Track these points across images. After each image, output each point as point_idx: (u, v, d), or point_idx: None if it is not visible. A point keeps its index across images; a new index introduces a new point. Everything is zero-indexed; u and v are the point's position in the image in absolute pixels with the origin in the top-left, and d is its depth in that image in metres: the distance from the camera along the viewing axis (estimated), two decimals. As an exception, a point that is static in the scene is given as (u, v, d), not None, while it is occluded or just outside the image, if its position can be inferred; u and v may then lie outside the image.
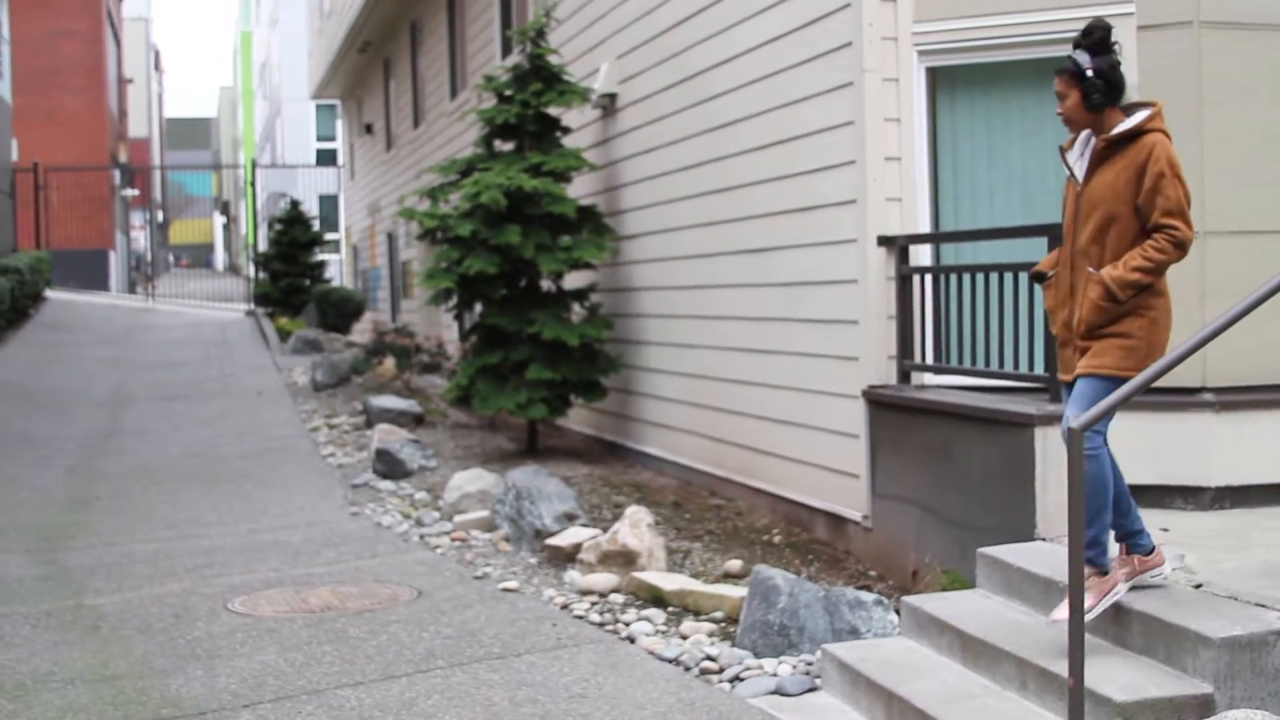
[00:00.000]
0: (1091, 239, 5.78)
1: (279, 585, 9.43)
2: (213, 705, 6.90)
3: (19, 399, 19.94)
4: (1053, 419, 7.12)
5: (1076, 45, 5.83)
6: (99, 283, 47.99)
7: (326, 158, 51.85)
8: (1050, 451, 7.09)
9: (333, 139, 51.69)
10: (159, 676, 7.43)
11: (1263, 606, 5.62)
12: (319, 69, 35.48)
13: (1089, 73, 5.71)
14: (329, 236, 40.50)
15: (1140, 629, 5.72)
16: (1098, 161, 5.79)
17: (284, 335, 27.67)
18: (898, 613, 7.08)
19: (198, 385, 21.47)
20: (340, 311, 30.19)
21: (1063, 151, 6.02)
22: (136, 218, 74.16)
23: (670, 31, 11.95)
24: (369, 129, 31.46)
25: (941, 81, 8.95)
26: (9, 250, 33.36)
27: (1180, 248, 5.62)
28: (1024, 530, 7.18)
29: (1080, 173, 5.88)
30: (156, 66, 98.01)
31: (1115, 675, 5.47)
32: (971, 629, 6.24)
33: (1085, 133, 5.92)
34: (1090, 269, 5.76)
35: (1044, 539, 7.10)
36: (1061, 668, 5.35)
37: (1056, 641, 5.70)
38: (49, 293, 34.52)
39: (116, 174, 54.84)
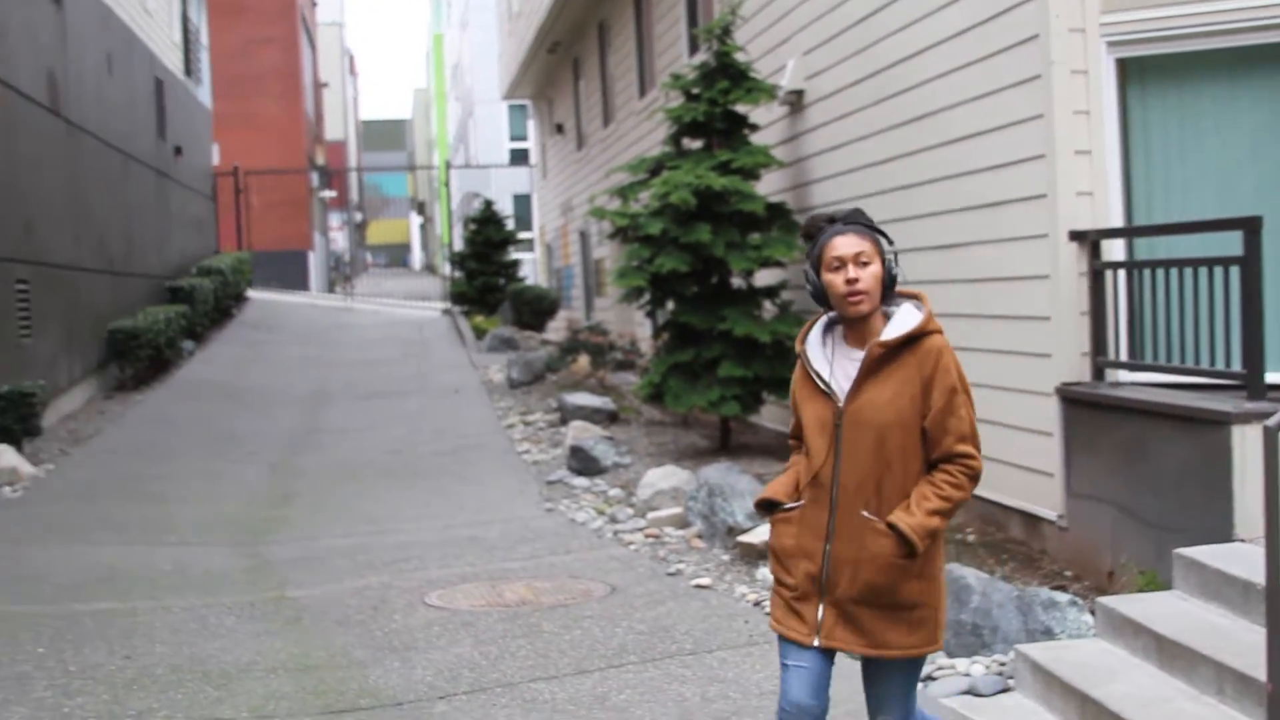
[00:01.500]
0: (867, 473, 4.43)
1: (475, 580, 9.63)
2: (409, 696, 7.10)
3: (223, 397, 20.53)
4: (1251, 417, 7.00)
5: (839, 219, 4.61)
6: (298, 283, 49.12)
7: (519, 157, 52.40)
8: (1249, 450, 6.97)
9: (525, 138, 52.20)
10: (357, 667, 7.65)
11: None
12: (509, 70, 35.90)
13: (889, 243, 4.52)
14: (523, 235, 41.00)
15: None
16: (869, 371, 4.42)
17: (480, 333, 28.08)
18: (1092, 613, 7.02)
19: (396, 383, 21.91)
20: (535, 309, 30.53)
21: (803, 354, 4.61)
22: (334, 219, 75.69)
23: (857, 26, 11.92)
24: (560, 128, 31.76)
25: (1131, 73, 8.83)
26: (212, 252, 34.28)
27: (975, 480, 4.49)
28: (1222, 531, 7.08)
29: (842, 384, 4.49)
30: (351, 70, 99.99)
31: (1315, 678, 5.38)
32: (1167, 631, 6.17)
33: (820, 328, 4.65)
34: (865, 513, 4.44)
35: (1243, 540, 6.98)
36: (1261, 672, 5.28)
37: (1256, 645, 5.61)
38: (250, 293, 35.42)
39: (314, 176, 56.02)
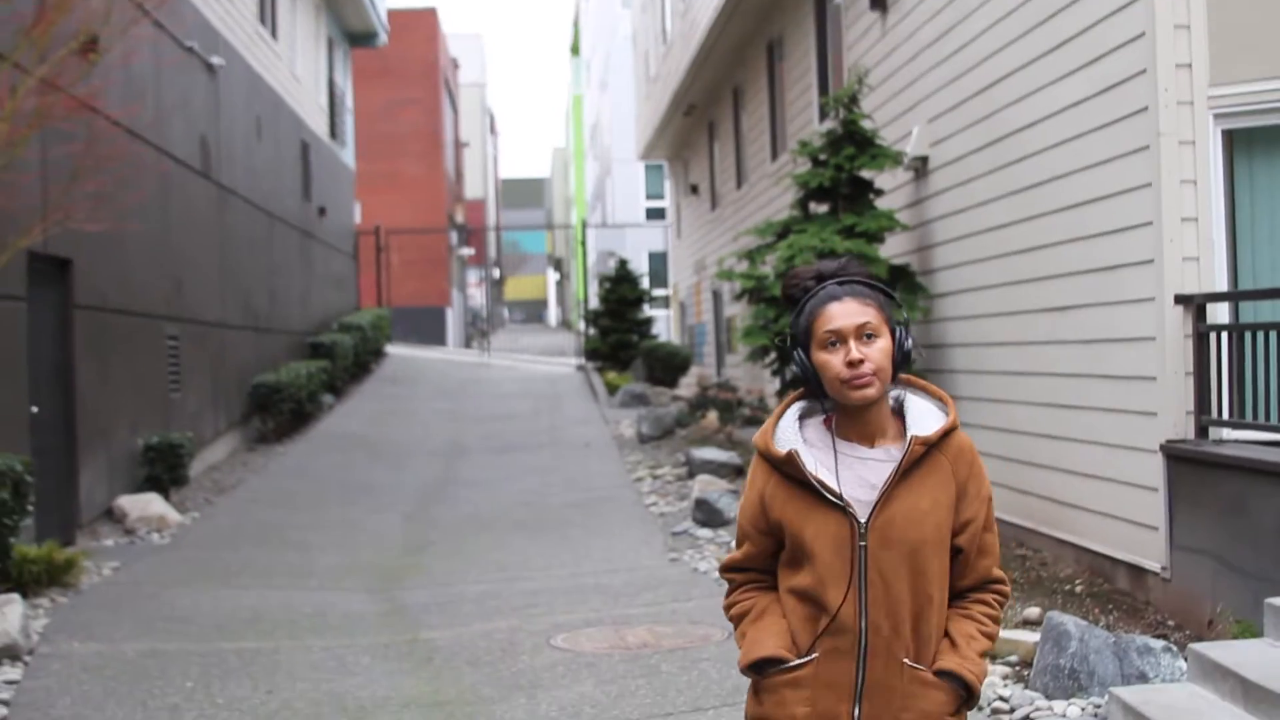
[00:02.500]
0: (904, 608, 3.45)
1: (599, 624, 10.04)
2: (535, 731, 7.51)
3: (361, 449, 21.18)
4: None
5: (853, 278, 3.57)
6: (436, 338, 50.02)
7: (655, 215, 53.09)
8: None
9: (661, 196, 52.89)
10: (485, 704, 8.09)
11: None
12: (646, 131, 36.54)
13: (897, 305, 3.55)
14: (659, 292, 41.56)
15: None
16: (904, 474, 3.44)
17: (612, 389, 28.60)
18: (1185, 659, 7.29)
19: (529, 437, 22.45)
20: (666, 366, 31.01)
21: (793, 458, 3.48)
22: (472, 275, 76.73)
23: (978, 96, 12.27)
24: (694, 189, 32.29)
25: (1238, 143, 9.12)
26: (352, 308, 35.17)
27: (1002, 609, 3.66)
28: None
29: (858, 492, 3.46)
30: (492, 130, 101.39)
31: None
32: (1253, 675, 6.43)
33: (792, 420, 3.59)
34: (908, 660, 3.46)
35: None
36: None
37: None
38: (389, 348, 36.27)
39: (453, 235, 57.05)
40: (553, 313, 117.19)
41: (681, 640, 9.44)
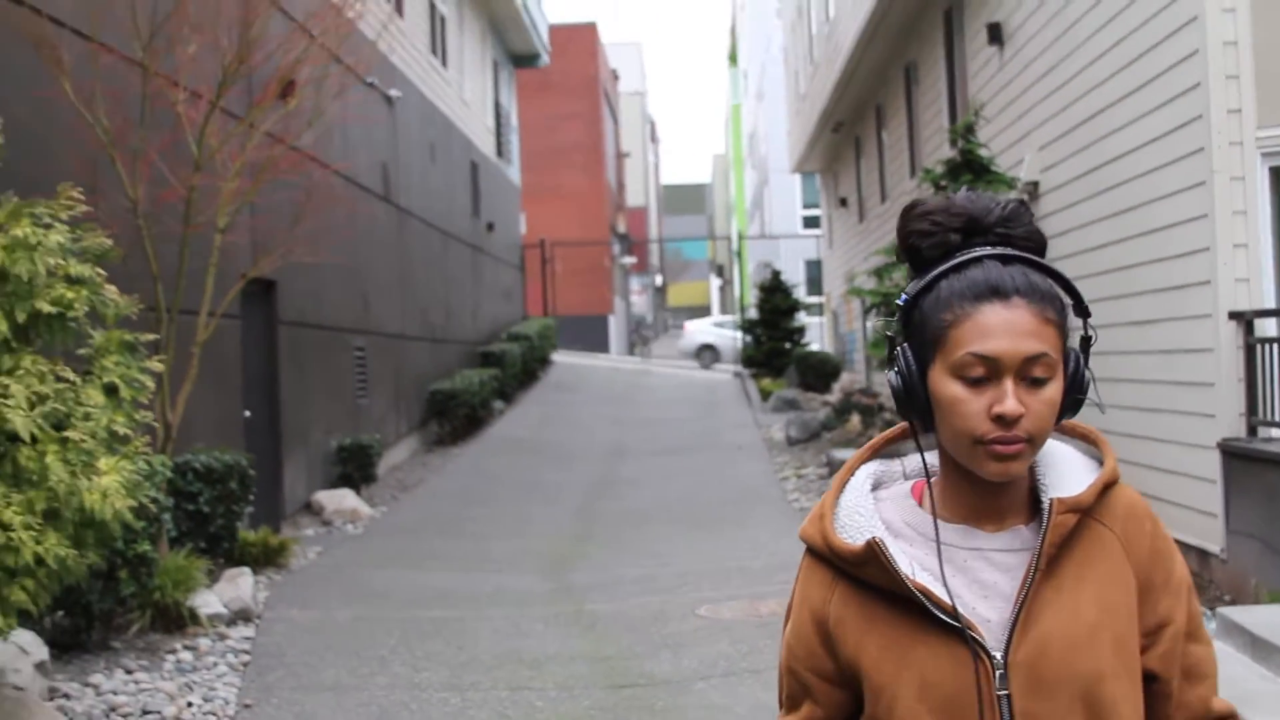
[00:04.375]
0: None
1: (737, 599, 11.63)
2: (676, 678, 9.17)
3: (530, 452, 22.99)
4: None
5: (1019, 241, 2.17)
6: (599, 345, 51.88)
7: (812, 223, 54.41)
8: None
9: (816, 205, 54.25)
10: (637, 659, 9.74)
11: None
12: (797, 146, 38.04)
13: (1085, 314, 2.18)
14: (813, 300, 43.02)
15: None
16: (1050, 567, 2.13)
17: (765, 395, 30.14)
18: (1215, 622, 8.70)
19: (686, 440, 24.10)
20: (818, 372, 32.48)
21: (876, 553, 2.13)
22: (635, 283, 78.53)
23: (1080, 127, 13.64)
24: (843, 202, 33.72)
25: (1285, 178, 10.50)
26: (519, 318, 37.12)
27: None
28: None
29: (981, 607, 2.14)
30: (652, 138, 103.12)
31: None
32: (1261, 632, 7.87)
33: (863, 486, 2.27)
34: None
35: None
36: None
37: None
38: (555, 356, 38.15)
39: (616, 245, 58.91)
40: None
41: (804, 610, 11.01)
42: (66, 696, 8.38)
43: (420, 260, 24.30)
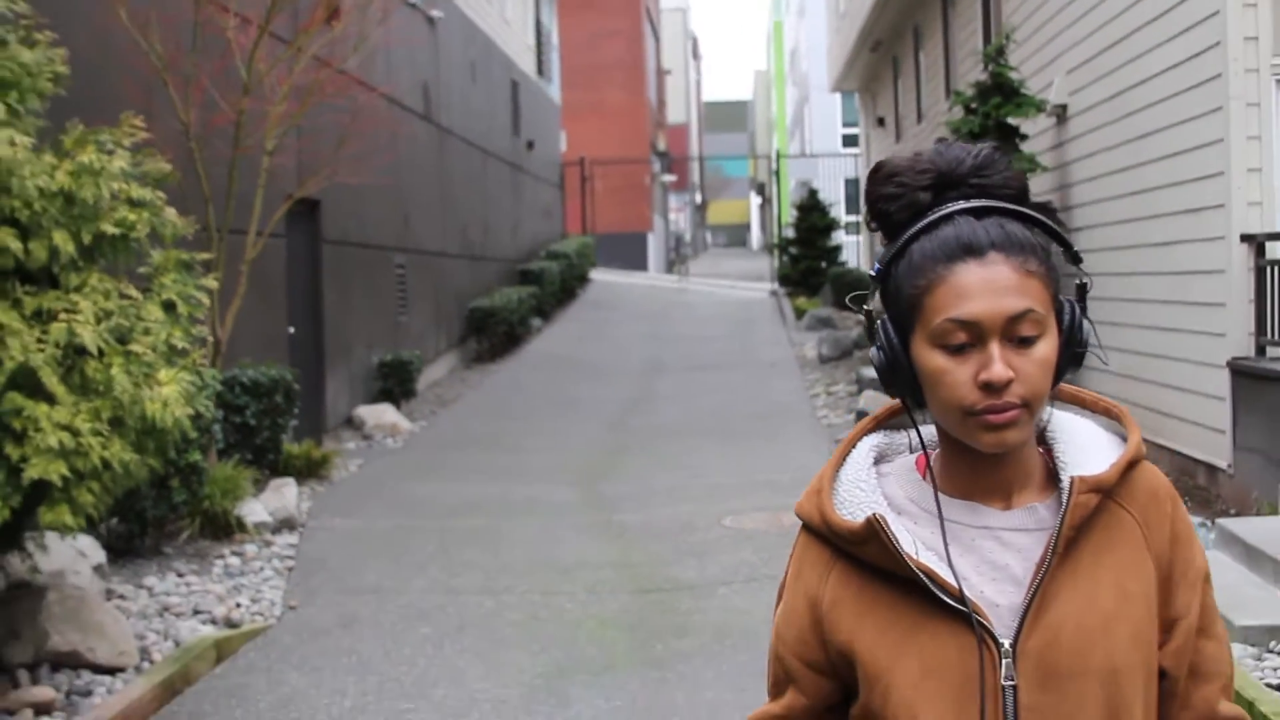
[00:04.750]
0: None
1: (762, 510, 12.08)
2: (700, 582, 9.64)
3: (567, 368, 23.45)
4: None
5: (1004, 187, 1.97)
6: (638, 263, 52.20)
7: (851, 142, 54.45)
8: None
9: (857, 124, 54.34)
10: (664, 565, 10.21)
11: None
12: (836, 64, 38.16)
13: (1088, 281, 1.99)
14: (851, 219, 43.24)
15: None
16: (1067, 550, 1.94)
17: (800, 314, 30.45)
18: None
19: (720, 357, 24.50)
20: (854, 291, 32.73)
21: (877, 530, 1.94)
22: (674, 200, 78.71)
23: (1106, 52, 13.90)
24: (880, 122, 33.91)
25: (1300, 105, 10.78)
26: (558, 236, 37.51)
27: None
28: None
29: (989, 591, 1.95)
30: (694, 54, 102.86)
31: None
32: (1254, 540, 8.26)
33: (864, 463, 2.07)
34: None
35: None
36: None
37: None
38: (593, 274, 38.54)
39: (656, 162, 59.14)
40: (755, 237, 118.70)
41: (826, 520, 11.47)
42: (122, 597, 8.89)
43: (460, 179, 24.67)
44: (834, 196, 42.03)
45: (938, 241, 1.89)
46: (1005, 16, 18.21)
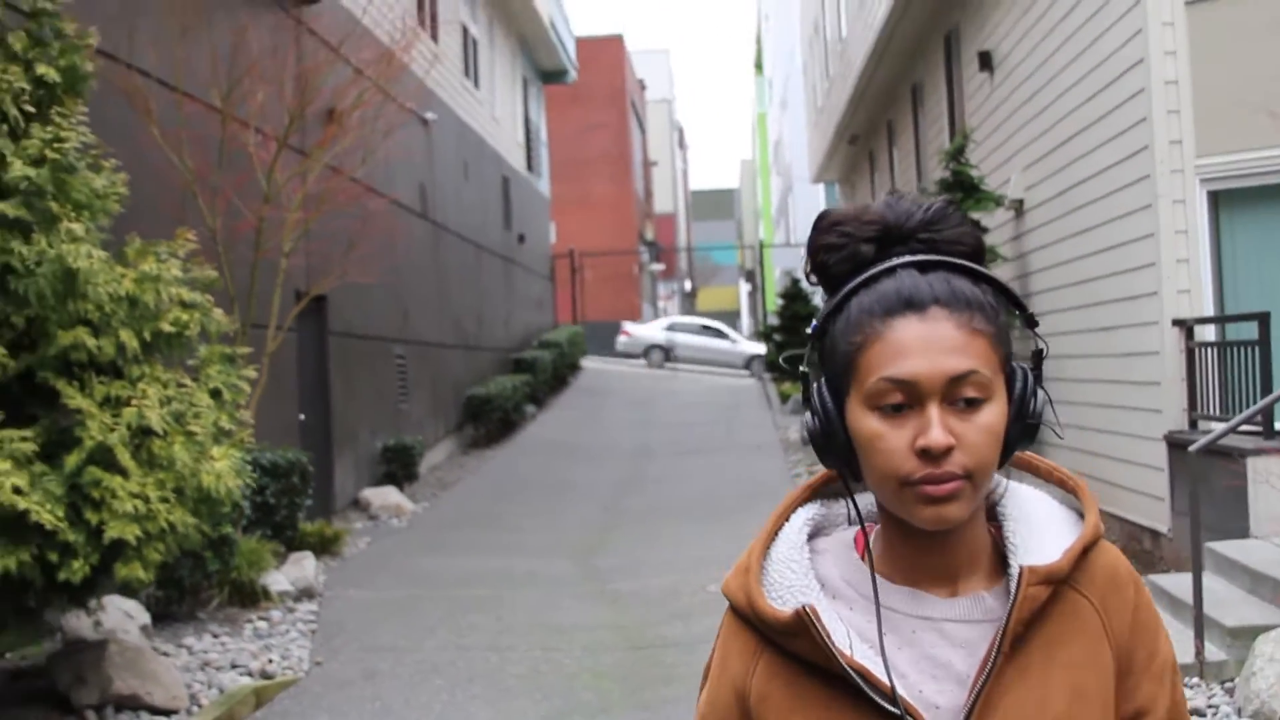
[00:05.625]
0: None
1: (742, 578, 13.07)
2: (685, 640, 10.65)
3: (561, 453, 24.50)
4: (1262, 452, 10.07)
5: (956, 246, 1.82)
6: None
7: (835, 231, 55.58)
8: (1259, 476, 10.03)
9: (839, 214, 55.44)
10: (653, 626, 11.23)
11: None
12: (816, 157, 39.50)
13: (1027, 322, 1.81)
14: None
15: None
16: (1014, 645, 1.78)
17: (785, 398, 31.55)
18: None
19: (707, 441, 25.58)
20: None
21: (807, 623, 1.78)
22: (663, 288, 79.80)
23: (1056, 151, 15.07)
24: (859, 212, 35.06)
25: (1221, 201, 11.90)
26: (550, 326, 38.66)
27: None
28: (1244, 532, 10.17)
29: (929, 690, 1.79)
30: (680, 144, 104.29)
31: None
32: (1177, 593, 9.30)
33: (795, 542, 1.92)
34: None
35: (1256, 538, 10.06)
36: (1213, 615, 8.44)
37: (1220, 600, 8.72)
38: (584, 362, 39.68)
39: (644, 252, 60.34)
40: (745, 323, 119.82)
41: (801, 584, 12.49)
42: (166, 654, 9.89)
43: (456, 272, 25.82)
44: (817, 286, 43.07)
45: (877, 295, 1.74)
46: (968, 115, 19.42)
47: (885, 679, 1.74)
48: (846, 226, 1.80)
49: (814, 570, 1.85)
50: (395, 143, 18.93)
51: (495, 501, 19.59)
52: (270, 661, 10.07)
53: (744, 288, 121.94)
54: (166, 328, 7.72)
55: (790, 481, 20.16)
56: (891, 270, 1.76)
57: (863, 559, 1.84)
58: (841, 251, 1.80)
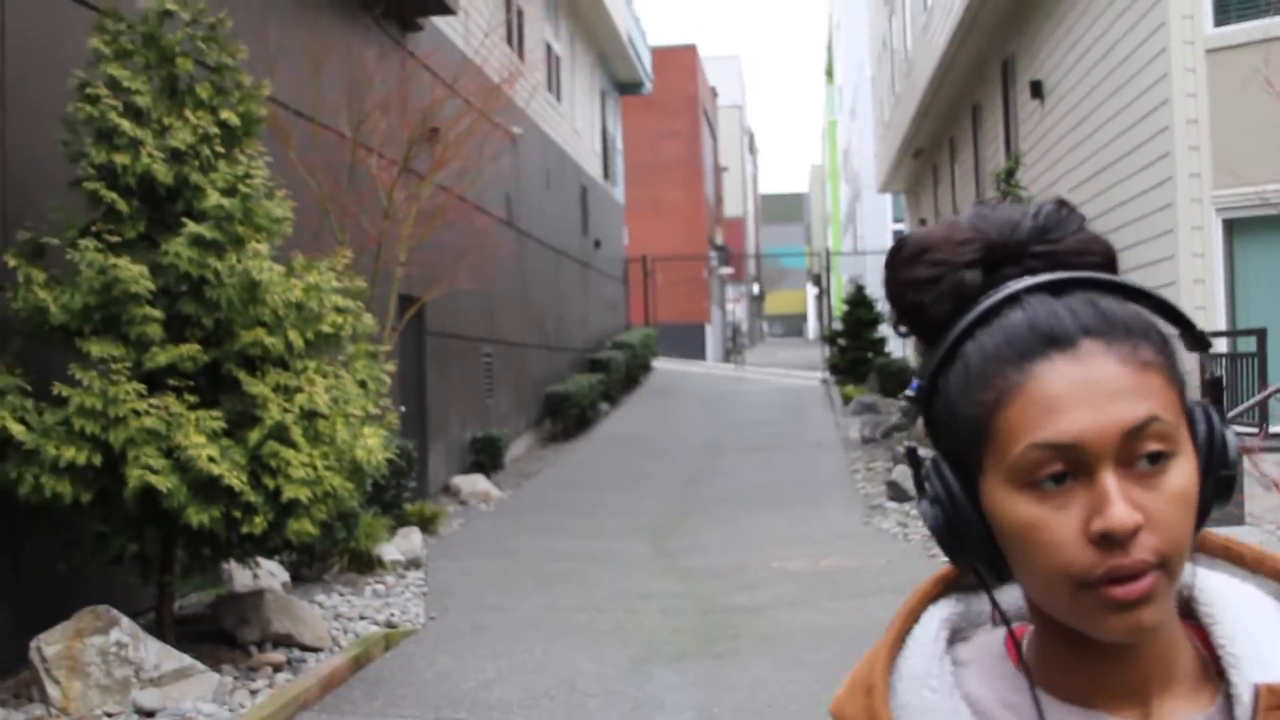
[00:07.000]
0: None
1: (803, 557, 14.63)
2: (751, 606, 12.21)
3: (634, 448, 26.10)
4: (1252, 450, 11.52)
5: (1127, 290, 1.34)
6: (697, 353, 54.76)
7: (901, 239, 56.81)
8: (1254, 469, 11.47)
9: (904, 222, 56.87)
10: (721, 595, 12.79)
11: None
12: (883, 169, 40.96)
13: (1220, 374, 1.39)
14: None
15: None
16: None
17: (847, 400, 32.99)
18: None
19: (772, 439, 27.10)
20: (897, 379, 35.26)
21: None
22: (732, 291, 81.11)
23: (1097, 176, 16.54)
24: (923, 223, 36.41)
25: (1235, 229, 13.34)
26: (623, 328, 40.27)
27: None
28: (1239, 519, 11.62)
29: None
30: (751, 149, 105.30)
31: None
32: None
33: (931, 651, 1.39)
34: None
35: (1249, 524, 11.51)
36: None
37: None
38: (655, 363, 41.24)
39: (714, 257, 61.82)
40: (812, 326, 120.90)
41: (854, 564, 14.01)
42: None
43: (537, 277, 27.45)
44: (880, 291, 44.47)
45: (1004, 334, 1.27)
46: (1021, 139, 20.88)
47: None
48: (938, 253, 1.32)
49: (959, 689, 1.36)
50: (492, 166, 20.65)
51: (574, 490, 21.19)
52: (392, 615, 11.68)
53: (811, 291, 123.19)
54: (326, 329, 9.34)
55: (848, 475, 21.65)
56: (1014, 298, 1.28)
57: (1019, 670, 1.35)
58: (939, 286, 1.32)
